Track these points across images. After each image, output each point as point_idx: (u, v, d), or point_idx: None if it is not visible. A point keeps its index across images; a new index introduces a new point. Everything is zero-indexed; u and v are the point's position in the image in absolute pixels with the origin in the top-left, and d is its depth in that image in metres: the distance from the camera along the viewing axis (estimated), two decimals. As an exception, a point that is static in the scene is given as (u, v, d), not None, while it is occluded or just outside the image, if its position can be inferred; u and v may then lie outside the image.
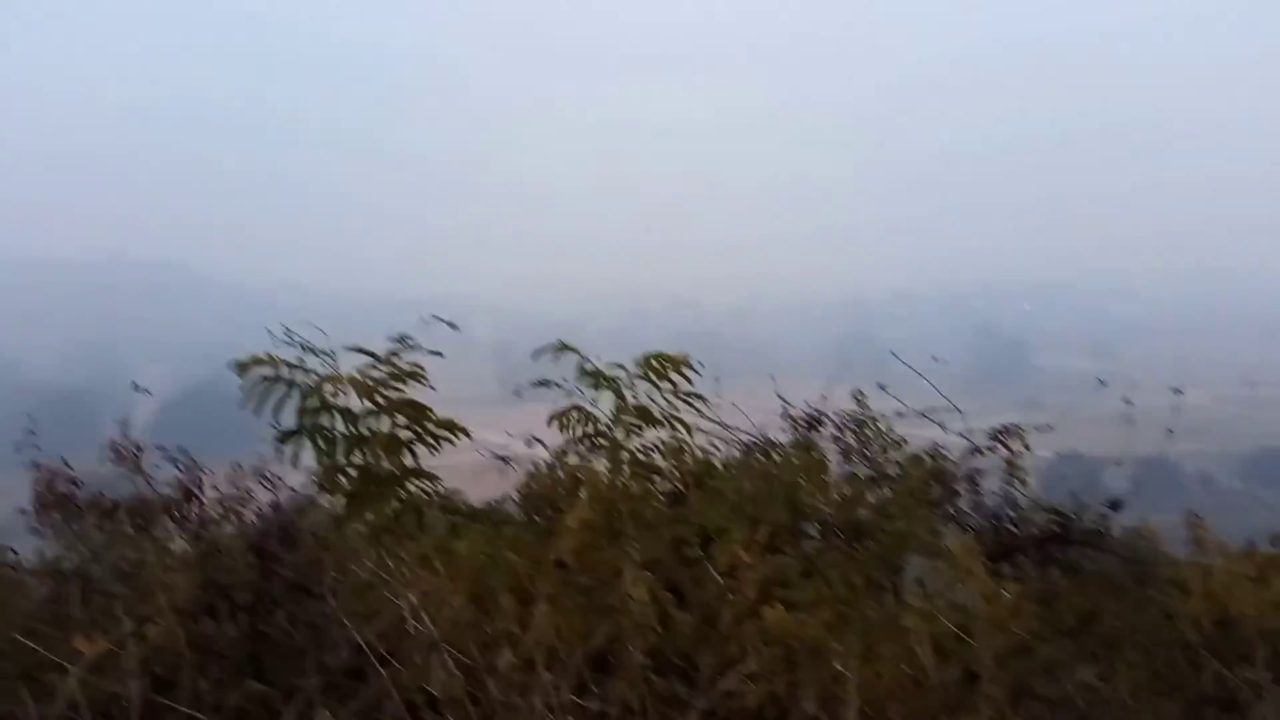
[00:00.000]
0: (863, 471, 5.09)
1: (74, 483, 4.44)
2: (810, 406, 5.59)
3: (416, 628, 3.11)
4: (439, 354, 4.31)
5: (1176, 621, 4.76)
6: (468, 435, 4.41)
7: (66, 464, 4.51)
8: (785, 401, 5.49)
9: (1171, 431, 5.05)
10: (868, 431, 5.35)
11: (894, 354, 5.80)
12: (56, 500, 4.46)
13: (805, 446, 5.18)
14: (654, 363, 4.69)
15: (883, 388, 5.69)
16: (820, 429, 5.47)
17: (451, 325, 4.10)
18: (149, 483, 4.30)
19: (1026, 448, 4.95)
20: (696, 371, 4.74)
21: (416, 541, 3.26)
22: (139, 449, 4.32)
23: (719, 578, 3.20)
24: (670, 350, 4.71)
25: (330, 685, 3.59)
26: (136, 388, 4.60)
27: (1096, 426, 5.59)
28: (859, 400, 5.62)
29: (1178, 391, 5.01)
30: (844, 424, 5.47)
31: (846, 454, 5.31)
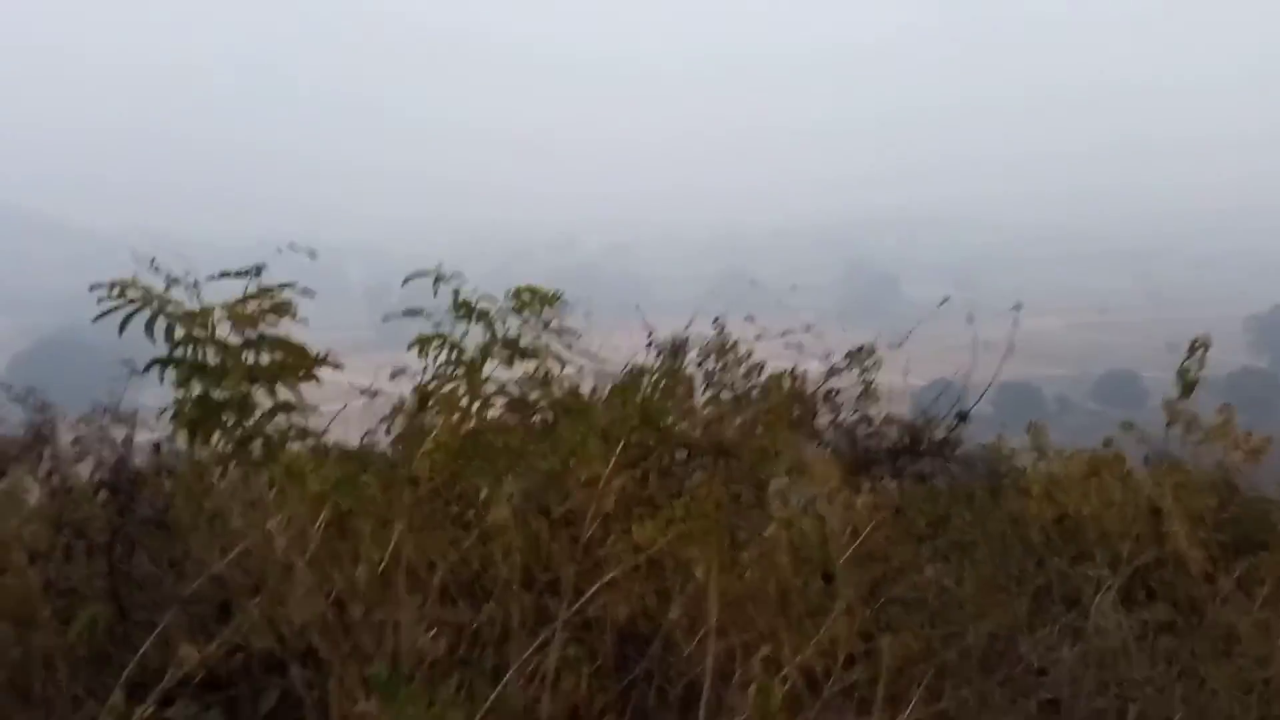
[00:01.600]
0: (726, 394, 5.26)
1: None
2: (675, 334, 5.71)
3: (275, 556, 3.09)
4: (310, 292, 4.19)
5: (1021, 525, 5.11)
6: (339, 367, 4.32)
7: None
8: (650, 329, 5.59)
9: (1012, 349, 5.36)
10: (730, 356, 5.51)
11: (754, 283, 5.96)
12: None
13: (669, 372, 5.30)
14: (523, 295, 4.69)
15: (749, 319, 5.87)
16: (684, 355, 5.61)
17: (310, 254, 3.99)
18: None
19: (877, 365, 5.18)
20: (566, 305, 4.75)
21: (267, 469, 3.21)
22: (-5, 382, 4.10)
23: (576, 494, 3.26)
24: (547, 286, 4.71)
25: (196, 621, 3.54)
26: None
27: (962, 354, 5.89)
28: (720, 328, 5.78)
29: (1017, 307, 5.31)
30: (707, 350, 5.62)
31: (710, 379, 5.47)
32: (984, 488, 5.46)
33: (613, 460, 3.49)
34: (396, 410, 4.54)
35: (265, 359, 3.94)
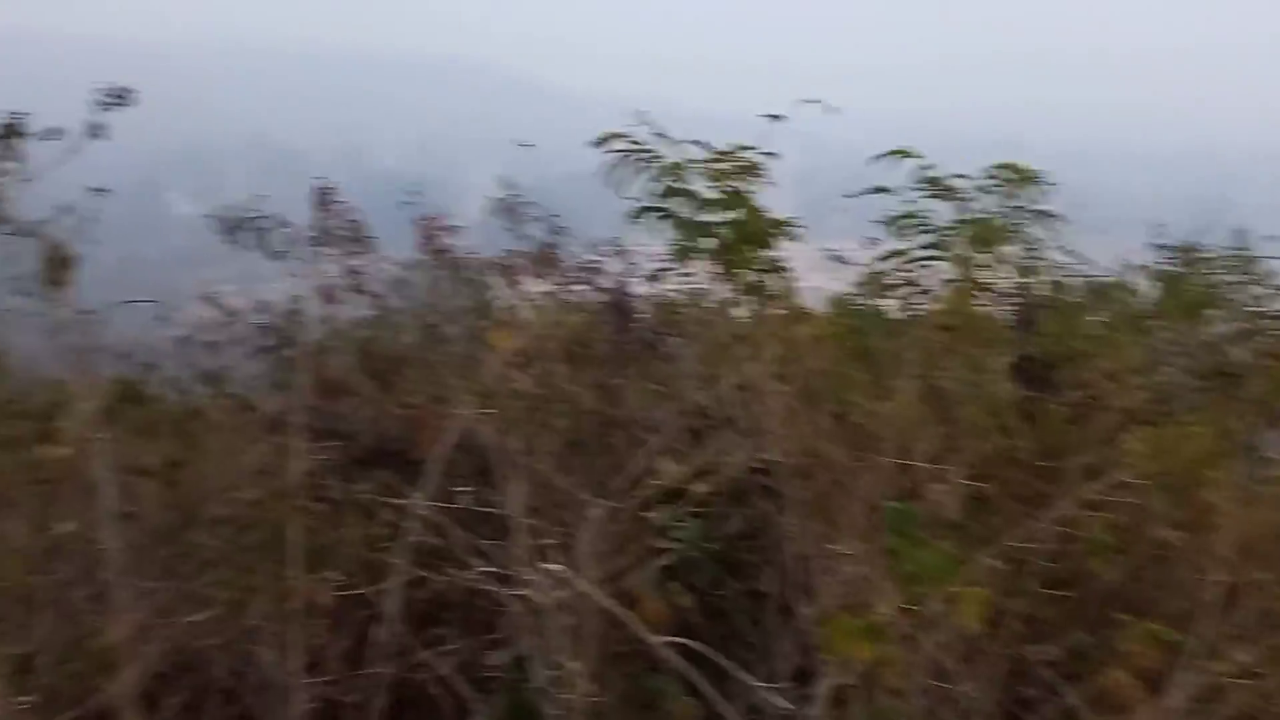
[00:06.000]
0: (1239, 315, 4.61)
1: (454, 232, 4.85)
2: (1182, 241, 5.06)
3: (760, 392, 3.20)
4: (774, 154, 4.23)
5: None
6: (797, 239, 4.36)
7: (447, 217, 4.93)
8: (1159, 229, 5.00)
9: None
10: (1250, 272, 4.79)
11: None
12: (437, 251, 4.91)
13: (1173, 281, 4.73)
14: (1002, 172, 4.35)
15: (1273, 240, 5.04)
16: (1191, 268, 4.96)
17: (771, 154, 4.00)
18: (523, 239, 4.62)
19: None
20: (1051, 187, 4.34)
21: (778, 302, 3.31)
22: (519, 205, 4.63)
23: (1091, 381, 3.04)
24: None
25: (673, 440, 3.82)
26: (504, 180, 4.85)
27: None
28: (1240, 238, 5.01)
29: None
30: (1217, 265, 4.92)
31: (1216, 298, 4.79)
32: None
33: (1117, 369, 3.20)
34: (870, 278, 4.51)
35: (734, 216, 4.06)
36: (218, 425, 3.78)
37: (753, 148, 4.09)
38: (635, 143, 4.15)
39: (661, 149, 4.07)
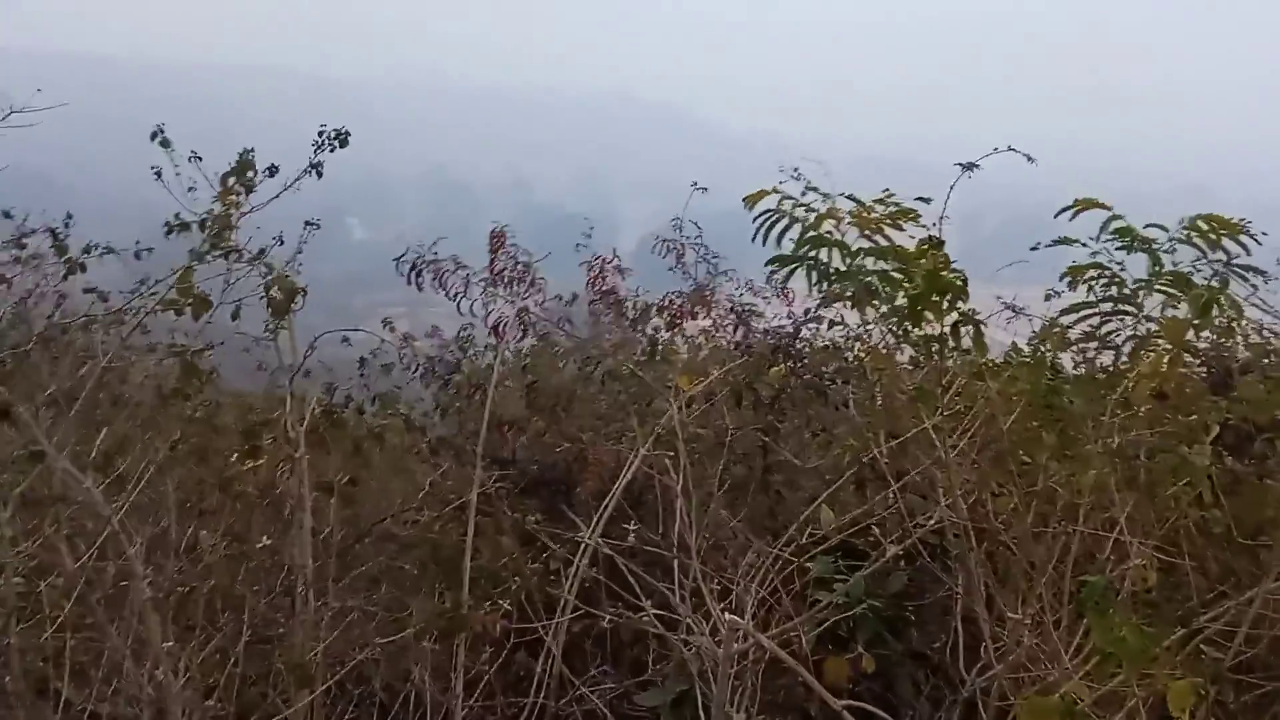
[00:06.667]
0: None
1: (620, 273, 4.91)
2: None
3: (940, 446, 3.08)
4: (926, 200, 4.10)
5: None
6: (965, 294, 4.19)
7: (616, 257, 4.99)
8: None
9: None
10: None
11: None
12: (603, 292, 4.98)
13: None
14: (1201, 224, 4.07)
15: None
16: None
17: (924, 199, 3.87)
18: (684, 277, 4.65)
19: None
20: (1255, 240, 4.03)
21: (968, 358, 3.19)
22: (683, 249, 4.67)
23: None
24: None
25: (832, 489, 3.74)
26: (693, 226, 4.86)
27: None
28: None
29: None
30: None
31: None
32: None
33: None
34: (1048, 329, 4.31)
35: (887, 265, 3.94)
36: (392, 447, 3.92)
37: (893, 193, 3.99)
38: (785, 197, 4.09)
39: (812, 200, 4.00)
